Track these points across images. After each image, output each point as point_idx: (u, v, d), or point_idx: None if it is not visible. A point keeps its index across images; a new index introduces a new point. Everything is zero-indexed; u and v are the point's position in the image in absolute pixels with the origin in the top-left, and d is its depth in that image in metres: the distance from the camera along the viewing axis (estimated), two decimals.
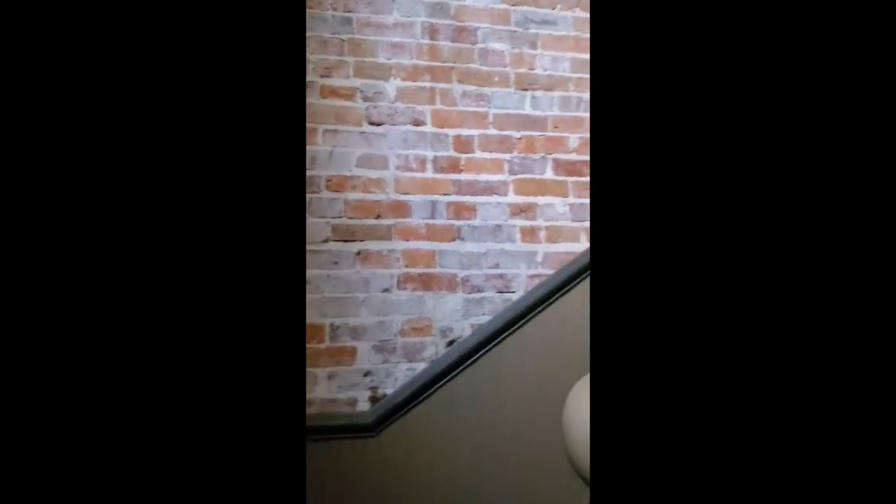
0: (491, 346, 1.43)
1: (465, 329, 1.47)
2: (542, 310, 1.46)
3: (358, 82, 1.52)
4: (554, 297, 1.47)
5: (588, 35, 1.64)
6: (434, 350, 1.45)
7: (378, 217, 1.48)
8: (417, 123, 1.53)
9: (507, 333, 1.44)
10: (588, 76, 1.63)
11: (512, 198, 1.54)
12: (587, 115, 1.61)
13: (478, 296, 1.49)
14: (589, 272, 1.50)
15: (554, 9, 1.65)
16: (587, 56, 1.63)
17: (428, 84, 1.55)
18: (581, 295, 1.48)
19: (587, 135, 1.60)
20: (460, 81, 1.57)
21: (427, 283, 1.47)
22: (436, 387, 1.40)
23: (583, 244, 1.55)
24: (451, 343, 1.46)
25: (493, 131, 1.56)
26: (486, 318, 1.47)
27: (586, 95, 1.62)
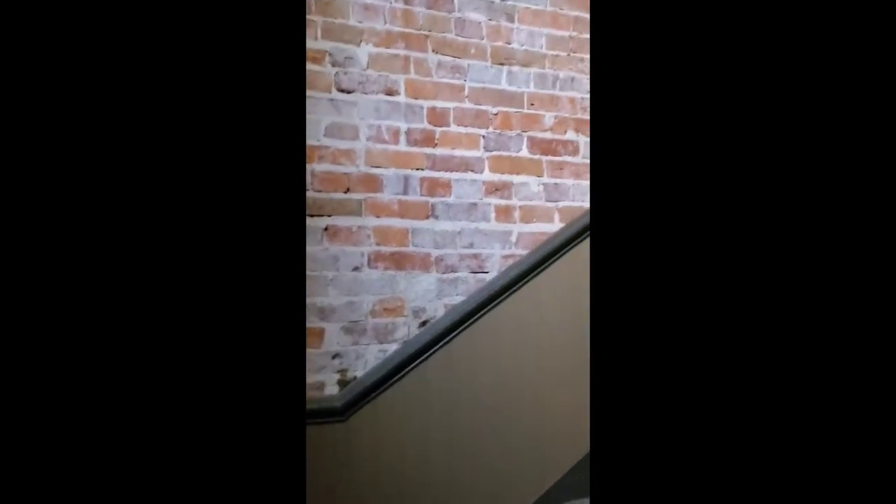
0: (464, 326, 1.40)
1: (438, 309, 1.43)
2: (516, 290, 1.44)
3: (327, 45, 1.41)
4: (527, 278, 1.45)
5: (565, 11, 1.61)
6: (406, 331, 1.40)
7: (347, 191, 1.40)
8: (390, 93, 1.45)
9: (480, 314, 1.41)
10: (564, 54, 1.60)
11: (487, 175, 1.50)
12: (562, 93, 1.59)
13: (452, 276, 1.45)
14: (561, 254, 1.49)
15: None
16: (564, 33, 1.60)
17: (402, 52, 1.47)
18: (554, 276, 1.47)
19: (562, 114, 1.58)
20: (435, 51, 1.50)
21: (399, 262, 1.41)
22: (408, 368, 1.35)
23: (556, 225, 1.54)
24: (423, 324, 1.41)
25: (468, 105, 1.51)
26: (459, 299, 1.44)
27: (562, 73, 1.59)
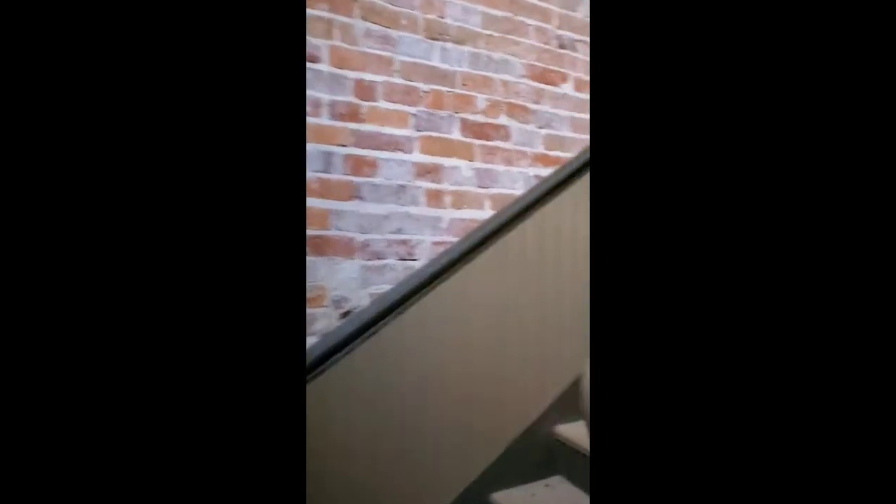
0: (391, 316, 1.30)
1: (362, 299, 1.32)
2: (446, 279, 1.37)
3: None
4: (458, 266, 1.39)
5: None
6: (327, 322, 1.28)
7: None
8: (312, 60, 1.31)
9: (408, 303, 1.32)
10: (499, 35, 1.54)
11: (417, 156, 1.41)
12: (496, 76, 1.53)
13: (378, 263, 1.34)
14: (491, 242, 1.44)
15: None
16: (499, 13, 1.55)
17: (325, 14, 1.33)
18: (485, 264, 1.42)
19: (495, 97, 1.53)
20: (364, 18, 1.37)
21: (319, 246, 1.28)
22: (328, 363, 1.24)
23: (487, 212, 1.49)
24: (346, 314, 1.30)
25: (398, 80, 1.40)
26: (386, 287, 1.34)
27: (496, 55, 1.53)
